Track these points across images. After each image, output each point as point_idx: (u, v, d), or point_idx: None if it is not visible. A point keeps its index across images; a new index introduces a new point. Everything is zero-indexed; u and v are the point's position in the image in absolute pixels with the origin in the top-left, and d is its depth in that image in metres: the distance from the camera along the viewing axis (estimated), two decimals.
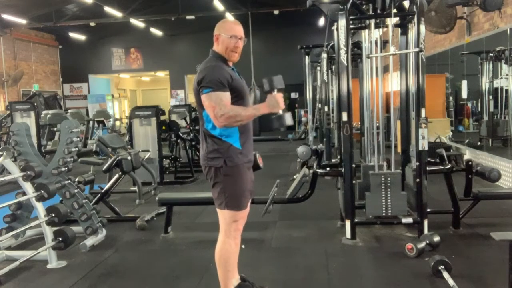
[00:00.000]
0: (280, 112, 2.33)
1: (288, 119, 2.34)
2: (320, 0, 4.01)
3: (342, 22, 3.61)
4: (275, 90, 2.34)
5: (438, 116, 8.00)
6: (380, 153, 4.13)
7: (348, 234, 3.71)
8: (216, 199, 2.45)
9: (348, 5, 3.59)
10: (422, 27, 3.53)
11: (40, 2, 12.93)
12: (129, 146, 6.40)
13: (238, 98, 2.39)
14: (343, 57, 3.63)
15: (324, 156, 5.78)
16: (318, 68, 8.43)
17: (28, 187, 3.48)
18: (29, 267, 3.38)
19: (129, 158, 4.88)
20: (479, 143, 7.06)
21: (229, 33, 2.39)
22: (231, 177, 2.39)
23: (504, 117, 6.47)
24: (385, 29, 4.39)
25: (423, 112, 3.55)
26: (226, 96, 2.30)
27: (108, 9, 12.88)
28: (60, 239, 3.40)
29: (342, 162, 3.83)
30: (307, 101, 9.32)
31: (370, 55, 4.06)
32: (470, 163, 4.05)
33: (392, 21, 3.91)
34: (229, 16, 13.80)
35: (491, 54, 6.57)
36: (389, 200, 3.68)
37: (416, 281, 2.95)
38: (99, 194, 4.71)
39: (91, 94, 17.70)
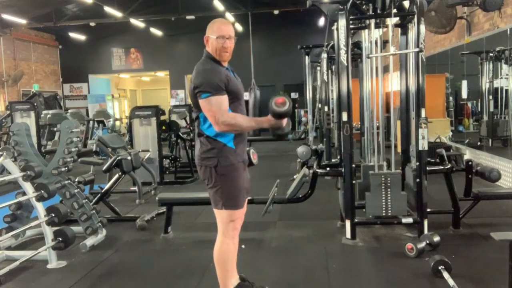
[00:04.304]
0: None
1: (287, 129, 2.38)
2: (320, 0, 4.01)
3: (342, 22, 3.61)
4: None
5: (438, 116, 8.00)
6: (380, 153, 4.13)
7: (348, 234, 3.71)
8: (213, 199, 2.45)
9: (348, 5, 3.59)
10: (422, 27, 3.53)
11: (40, 2, 12.93)
12: (129, 146, 6.40)
13: (234, 100, 2.40)
14: (343, 57, 3.63)
15: (324, 156, 5.78)
16: (318, 68, 8.42)
17: (28, 187, 3.48)
18: (29, 267, 3.38)
19: (129, 158, 4.87)
20: (479, 143, 7.05)
21: (216, 34, 2.39)
22: (227, 177, 2.39)
23: (504, 117, 6.46)
24: (385, 29, 4.39)
25: (423, 112, 3.55)
26: (225, 100, 2.31)
27: (108, 9, 12.87)
28: (60, 239, 3.40)
29: (342, 162, 3.83)
30: (307, 101, 9.32)
31: (370, 55, 4.06)
32: (470, 163, 4.05)
33: (392, 21, 3.91)
34: (229, 16, 13.81)
35: (491, 54, 6.57)
36: (389, 200, 3.68)
37: (416, 281, 2.95)
38: (99, 194, 4.71)
39: (91, 94, 17.69)
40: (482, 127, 7.07)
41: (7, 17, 12.95)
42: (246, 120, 2.36)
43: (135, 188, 5.37)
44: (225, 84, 2.32)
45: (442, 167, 3.93)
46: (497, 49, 6.32)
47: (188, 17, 14.03)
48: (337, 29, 4.05)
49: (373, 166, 4.05)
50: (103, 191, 4.76)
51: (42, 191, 3.44)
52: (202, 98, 2.30)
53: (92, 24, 14.68)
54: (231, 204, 2.41)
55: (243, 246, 3.56)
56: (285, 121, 2.36)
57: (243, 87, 2.55)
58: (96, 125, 11.63)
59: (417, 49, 3.52)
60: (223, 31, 2.39)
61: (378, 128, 4.26)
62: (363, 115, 4.64)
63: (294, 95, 16.33)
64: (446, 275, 2.82)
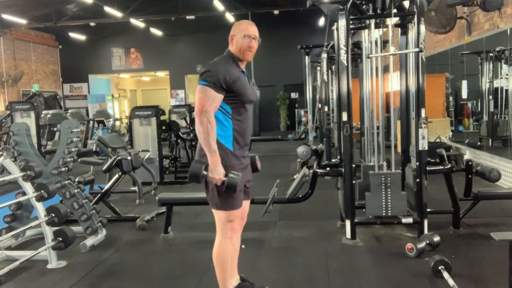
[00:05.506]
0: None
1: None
2: (320, 0, 4.01)
3: (342, 22, 3.61)
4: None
5: (438, 116, 8.00)
6: (380, 153, 4.13)
7: (348, 234, 3.71)
8: (209, 199, 2.44)
9: (348, 5, 3.59)
10: (422, 27, 3.53)
11: (40, 2, 12.93)
12: (129, 146, 6.40)
13: (238, 103, 2.37)
14: (343, 57, 3.63)
15: (324, 156, 5.78)
16: (318, 68, 8.43)
17: (28, 187, 3.48)
18: (29, 267, 3.38)
19: (129, 158, 4.88)
20: (479, 143, 7.05)
21: (243, 32, 2.42)
22: None
23: (504, 117, 6.47)
24: (385, 29, 4.39)
25: (423, 112, 3.55)
26: (218, 99, 2.30)
27: (108, 9, 12.88)
28: (60, 239, 3.40)
29: (342, 162, 3.82)
30: (307, 101, 9.32)
31: (370, 55, 4.06)
32: (470, 163, 4.05)
33: (392, 21, 3.91)
34: (229, 16, 13.81)
35: (491, 54, 6.57)
36: (389, 200, 3.68)
37: (416, 281, 2.95)
38: (99, 194, 4.71)
39: (91, 94, 17.69)
40: (482, 127, 7.07)
41: (7, 17, 12.95)
42: (213, 141, 2.25)
43: (135, 188, 5.38)
44: (229, 82, 2.31)
45: (442, 167, 3.93)
46: (497, 49, 6.32)
47: (188, 17, 14.03)
48: (337, 29, 4.06)
49: (373, 166, 4.05)
50: (103, 191, 4.76)
51: (42, 191, 3.43)
52: (200, 84, 2.30)
53: (92, 24, 14.68)
54: (225, 205, 2.38)
55: (243, 246, 3.53)
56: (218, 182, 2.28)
57: (255, 94, 2.53)
58: (96, 125, 11.62)
59: (417, 49, 3.52)
60: (250, 30, 2.44)
61: (378, 128, 4.26)
62: (363, 115, 4.64)
63: (294, 95, 16.34)
64: (446, 275, 2.82)
